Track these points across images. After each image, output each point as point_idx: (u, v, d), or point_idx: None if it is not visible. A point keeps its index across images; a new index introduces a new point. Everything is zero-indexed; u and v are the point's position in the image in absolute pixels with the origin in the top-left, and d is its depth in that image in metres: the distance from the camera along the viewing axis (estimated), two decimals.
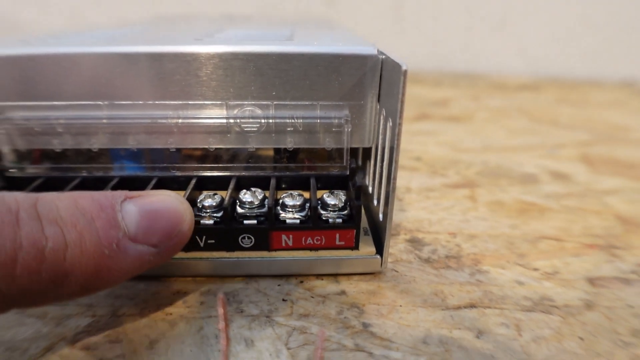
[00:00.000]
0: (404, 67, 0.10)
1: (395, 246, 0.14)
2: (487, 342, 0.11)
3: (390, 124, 0.11)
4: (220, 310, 0.11)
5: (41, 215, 0.08)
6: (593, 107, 0.36)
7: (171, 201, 0.10)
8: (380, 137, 0.13)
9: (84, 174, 0.13)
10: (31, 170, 0.14)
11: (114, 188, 0.13)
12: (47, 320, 0.11)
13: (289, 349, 0.10)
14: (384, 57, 0.12)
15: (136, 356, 0.10)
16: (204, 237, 0.12)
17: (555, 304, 0.12)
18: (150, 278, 0.12)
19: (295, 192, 0.12)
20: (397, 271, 0.13)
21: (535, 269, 0.14)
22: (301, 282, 0.12)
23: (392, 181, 0.12)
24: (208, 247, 0.12)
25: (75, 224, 0.09)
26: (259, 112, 0.13)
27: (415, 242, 0.14)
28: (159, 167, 0.13)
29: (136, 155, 0.14)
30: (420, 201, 0.17)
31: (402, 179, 0.19)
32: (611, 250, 0.15)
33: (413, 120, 0.28)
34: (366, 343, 0.10)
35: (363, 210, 0.14)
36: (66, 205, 0.09)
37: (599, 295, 0.13)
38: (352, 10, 0.45)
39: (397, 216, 0.16)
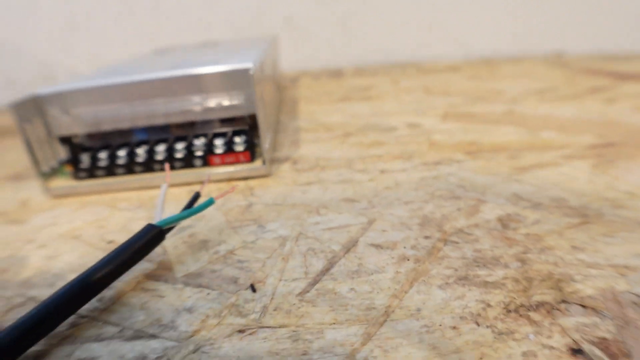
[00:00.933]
0: (250, 72, 0.22)
1: (283, 165, 0.27)
2: (308, 194, 0.23)
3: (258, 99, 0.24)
4: (167, 172, 0.23)
5: None
6: (492, 80, 0.47)
7: None
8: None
9: (119, 141, 0.27)
10: (93, 143, 0.27)
11: (134, 146, 0.26)
12: None
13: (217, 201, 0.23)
14: (252, 67, 0.24)
15: None
16: (178, 161, 0.25)
17: (352, 180, 0.24)
18: (149, 187, 0.25)
19: (222, 138, 0.25)
20: (278, 175, 0.25)
21: (354, 169, 0.25)
22: (228, 182, 0.25)
23: (260, 127, 0.24)
24: (180, 167, 0.25)
25: None
26: (200, 100, 0.26)
27: (294, 163, 0.27)
28: (155, 134, 0.26)
29: (143, 130, 0.27)
30: (309, 146, 0.30)
31: (304, 136, 0.32)
32: (409, 159, 0.27)
33: (334, 102, 0.40)
34: (249, 197, 0.23)
35: (261, 144, 0.26)
36: None
37: (380, 176, 0.24)
38: (307, 23, 0.58)
39: (291, 153, 0.28)
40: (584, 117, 0.33)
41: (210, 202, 0.20)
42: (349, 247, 0.18)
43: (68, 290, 0.15)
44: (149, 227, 0.18)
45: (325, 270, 0.17)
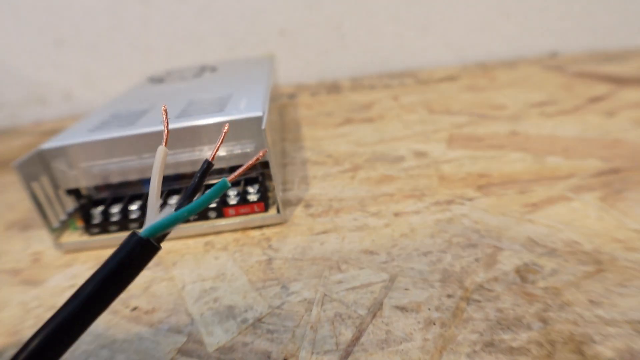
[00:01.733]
0: (262, 127, 0.23)
1: (296, 209, 0.27)
2: (326, 245, 0.23)
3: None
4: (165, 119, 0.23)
5: None
6: (491, 90, 0.47)
7: None
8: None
9: (129, 193, 0.27)
10: (102, 194, 0.27)
11: (145, 199, 0.26)
12: None
13: (232, 254, 0.23)
14: (263, 118, 0.24)
15: None
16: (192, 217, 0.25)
17: (368, 227, 0.25)
18: (174, 239, 0.25)
19: (234, 187, 0.25)
20: (293, 222, 0.26)
21: (367, 212, 0.26)
22: (244, 232, 0.25)
23: (274, 177, 0.24)
24: (194, 220, 0.25)
25: None
26: (211, 149, 0.26)
27: (307, 206, 0.27)
28: (165, 185, 0.26)
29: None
30: (319, 184, 0.30)
31: (313, 170, 0.32)
32: (420, 197, 0.27)
33: (337, 126, 0.40)
34: (268, 251, 0.23)
35: (275, 192, 0.26)
36: None
37: (395, 221, 0.25)
38: (301, 35, 0.58)
39: (302, 194, 0.29)
40: (587, 135, 0.34)
41: (223, 186, 0.14)
42: (375, 310, 0.19)
43: (49, 334, 0.12)
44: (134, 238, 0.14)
45: (355, 340, 0.18)
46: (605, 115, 0.38)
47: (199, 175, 0.16)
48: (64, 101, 0.59)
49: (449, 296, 0.19)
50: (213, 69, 0.42)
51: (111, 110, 0.32)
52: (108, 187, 0.27)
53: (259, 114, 0.25)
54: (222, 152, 0.26)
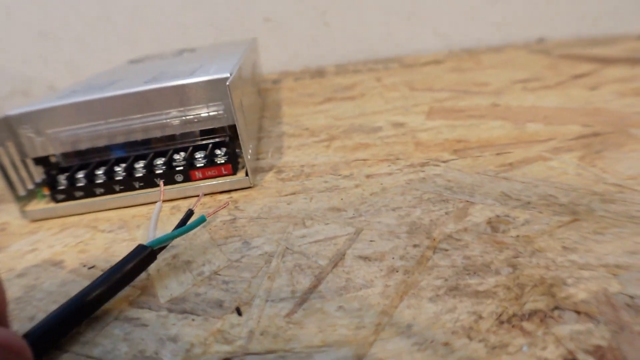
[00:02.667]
0: (227, 83, 0.22)
1: (267, 175, 0.26)
2: (293, 205, 0.22)
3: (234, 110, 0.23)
4: (161, 189, 0.23)
5: None
6: (476, 71, 0.47)
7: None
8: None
9: (97, 159, 0.26)
10: (70, 162, 0.26)
11: (112, 165, 0.25)
12: None
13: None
14: (230, 77, 0.24)
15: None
16: (158, 178, 0.24)
17: (338, 187, 0.23)
18: (129, 206, 0.24)
19: (202, 151, 0.24)
20: (262, 186, 0.25)
21: (339, 175, 0.25)
22: (211, 196, 0.24)
23: (241, 139, 0.23)
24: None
25: None
26: (178, 114, 0.25)
27: (278, 172, 0.26)
28: (133, 150, 0.25)
29: (122, 146, 0.26)
30: (294, 152, 0.29)
31: (288, 142, 0.31)
32: (394, 161, 0.26)
33: (317, 104, 0.40)
34: (234, 212, 0.22)
35: (244, 155, 0.25)
36: None
37: (366, 182, 0.24)
38: (287, 24, 0.57)
39: (275, 162, 0.28)
40: (569, 106, 0.33)
41: (202, 220, 0.19)
42: (337, 260, 0.18)
43: (61, 313, 0.15)
44: (140, 248, 0.17)
45: (313, 288, 0.16)
46: (588, 89, 0.37)
47: (182, 219, 0.20)
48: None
49: (415, 246, 0.18)
50: (192, 50, 0.42)
51: (83, 83, 0.31)
52: (76, 154, 0.26)
53: (225, 74, 0.24)
54: (190, 116, 0.25)
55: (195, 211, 0.21)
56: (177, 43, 0.57)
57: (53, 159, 0.26)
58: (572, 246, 0.17)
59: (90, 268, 0.20)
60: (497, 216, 0.20)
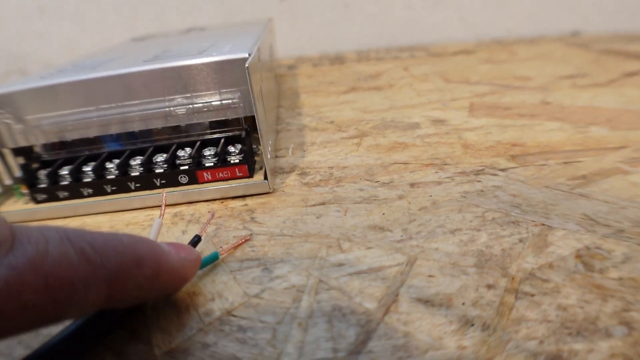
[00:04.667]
0: (246, 64, 0.17)
1: (289, 177, 0.21)
2: (323, 219, 0.18)
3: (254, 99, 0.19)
4: (163, 202, 0.18)
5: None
6: (512, 63, 0.42)
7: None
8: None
9: (86, 152, 0.21)
10: (55, 154, 0.22)
11: (103, 160, 0.21)
12: None
13: (207, 234, 0.18)
14: (249, 57, 0.19)
15: None
16: (158, 178, 0.20)
17: (377, 198, 0.19)
18: (123, 210, 0.20)
19: (212, 147, 0.20)
20: (284, 191, 0.20)
21: (377, 181, 0.20)
22: (222, 202, 0.20)
23: (261, 134, 0.19)
24: (161, 186, 0.20)
25: (131, 237, 0.12)
26: (184, 101, 0.20)
27: (302, 174, 0.22)
28: (130, 143, 0.21)
29: (117, 138, 0.22)
30: (318, 150, 0.24)
31: (311, 137, 0.26)
32: (442, 166, 0.22)
33: (341, 93, 0.35)
34: (249, 225, 0.18)
35: (263, 154, 0.21)
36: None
37: (412, 192, 0.19)
38: (303, 4, 0.52)
39: (297, 161, 0.23)
40: (632, 107, 0.28)
41: (214, 258, 0.15)
42: (388, 304, 0.13)
43: None
44: None
45: (361, 345, 0.12)
46: None
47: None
48: None
49: (490, 287, 0.14)
50: (202, 29, 0.37)
51: (75, 62, 0.26)
52: (62, 145, 0.22)
53: (244, 54, 0.19)
54: (199, 104, 0.20)
55: (203, 234, 0.16)
56: (182, 22, 0.52)
57: (37, 150, 0.22)
58: None
59: None
60: (587, 248, 0.15)
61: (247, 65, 0.17)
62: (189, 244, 0.15)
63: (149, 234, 0.15)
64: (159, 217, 0.16)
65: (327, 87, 0.37)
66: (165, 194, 0.17)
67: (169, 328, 0.13)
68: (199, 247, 0.16)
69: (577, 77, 0.36)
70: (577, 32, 0.56)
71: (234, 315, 0.13)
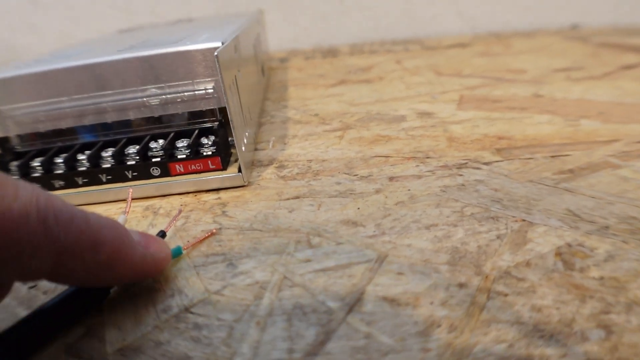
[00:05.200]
0: (215, 53, 0.16)
1: (265, 171, 0.21)
2: (296, 213, 0.17)
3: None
4: (129, 198, 0.17)
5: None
6: (507, 56, 0.40)
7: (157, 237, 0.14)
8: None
9: (59, 144, 0.20)
10: (29, 145, 0.21)
11: (77, 151, 0.20)
12: None
13: (176, 227, 0.17)
14: (221, 46, 0.18)
15: None
16: (130, 170, 0.19)
17: (354, 192, 0.18)
18: (107, 202, 0.19)
19: (185, 139, 0.19)
20: (259, 184, 0.19)
21: (355, 175, 0.20)
22: (195, 195, 0.19)
23: (233, 125, 0.18)
24: (133, 178, 0.19)
25: (105, 221, 0.11)
26: (158, 91, 0.19)
27: (280, 167, 0.21)
28: (102, 134, 0.20)
29: (91, 129, 0.21)
30: (299, 143, 0.24)
31: (294, 129, 0.26)
32: (424, 159, 0.21)
33: (329, 86, 0.34)
34: (220, 219, 0.17)
35: (238, 147, 0.20)
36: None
37: (390, 186, 0.19)
38: None
39: (277, 154, 0.22)
40: (625, 100, 0.27)
41: (177, 253, 0.15)
42: (352, 303, 0.12)
43: None
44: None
45: (319, 346, 0.11)
46: None
47: None
48: None
49: (461, 285, 0.13)
50: (190, 21, 0.36)
51: (54, 52, 0.25)
52: (37, 137, 0.21)
53: (216, 44, 0.18)
54: (171, 94, 0.19)
55: (169, 230, 0.15)
56: (176, 15, 0.51)
57: (8, 144, 0.21)
58: None
59: (31, 288, 0.15)
60: (569, 245, 0.14)
61: (216, 54, 0.17)
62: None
63: None
64: (124, 214, 0.15)
65: (316, 80, 0.36)
66: (131, 191, 0.16)
67: (125, 324, 0.12)
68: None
69: (572, 70, 0.35)
70: (576, 25, 0.55)
71: (191, 312, 0.13)
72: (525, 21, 0.53)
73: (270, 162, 0.22)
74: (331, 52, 0.48)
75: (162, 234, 0.15)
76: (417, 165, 0.20)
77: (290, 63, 0.45)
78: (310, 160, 0.21)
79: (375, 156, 0.21)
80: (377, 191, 0.18)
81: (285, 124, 0.27)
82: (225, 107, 0.19)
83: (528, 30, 0.53)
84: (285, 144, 0.24)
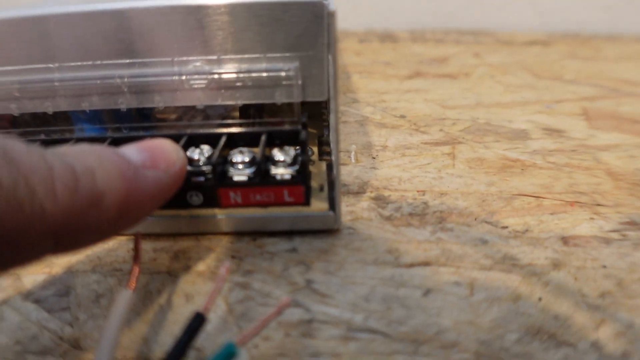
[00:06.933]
0: (328, 10, 0.09)
1: (359, 204, 0.13)
2: (434, 300, 0.10)
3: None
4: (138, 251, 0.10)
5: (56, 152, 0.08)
6: (604, 62, 0.32)
7: (159, 139, 0.10)
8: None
9: (42, 137, 0.13)
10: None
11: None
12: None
13: (228, 304, 0.10)
14: (328, 2, 0.10)
15: (81, 308, 0.10)
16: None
17: (518, 263, 0.11)
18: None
19: (245, 149, 0.12)
20: (354, 229, 0.12)
21: (504, 227, 0.12)
22: (254, 239, 0.12)
23: (334, 134, 0.10)
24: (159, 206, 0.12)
25: (89, 157, 0.09)
26: (205, 67, 0.12)
27: (379, 200, 0.13)
28: (112, 128, 0.13)
29: (94, 118, 0.13)
30: (395, 159, 0.16)
31: (381, 137, 0.18)
32: (595, 208, 0.13)
33: (404, 78, 0.26)
34: (305, 299, 0.10)
35: (334, 167, 0.13)
36: (72, 150, 0.09)
37: (570, 255, 0.11)
38: None
39: (366, 174, 0.15)
40: None
41: (229, 354, 0.07)
42: None
43: None
44: None
45: None
46: None
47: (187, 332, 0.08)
48: None
49: None
50: None
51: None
52: (8, 123, 0.13)
53: None
54: (230, 74, 0.12)
55: (210, 307, 0.08)
56: None
57: None
58: None
59: None
60: None
61: (329, 10, 0.09)
62: (185, 327, 0.08)
63: (105, 324, 0.07)
64: (127, 288, 0.08)
65: (383, 69, 0.28)
66: (139, 238, 0.09)
67: None
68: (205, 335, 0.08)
69: None
70: None
71: None
72: (602, 23, 0.45)
73: (362, 189, 0.14)
74: (389, 37, 0.40)
75: (200, 319, 0.08)
76: (592, 218, 0.13)
77: (343, 44, 0.36)
78: (422, 192, 0.14)
79: (519, 194, 0.14)
80: (555, 265, 0.11)
81: (363, 127, 0.19)
82: (312, 103, 0.12)
83: (607, 33, 0.45)
84: (373, 158, 0.16)
